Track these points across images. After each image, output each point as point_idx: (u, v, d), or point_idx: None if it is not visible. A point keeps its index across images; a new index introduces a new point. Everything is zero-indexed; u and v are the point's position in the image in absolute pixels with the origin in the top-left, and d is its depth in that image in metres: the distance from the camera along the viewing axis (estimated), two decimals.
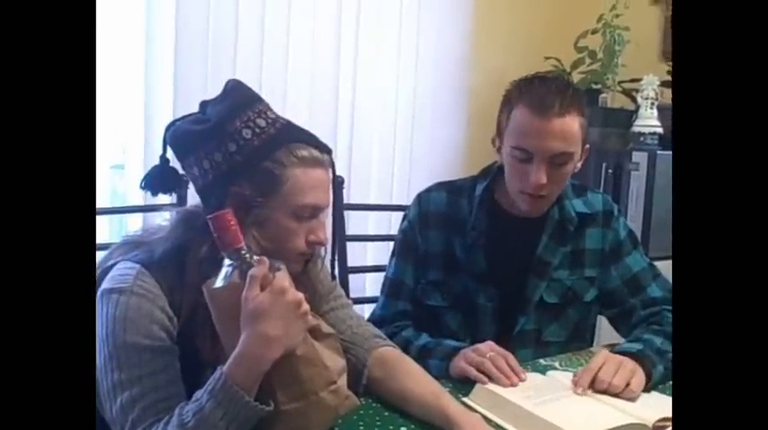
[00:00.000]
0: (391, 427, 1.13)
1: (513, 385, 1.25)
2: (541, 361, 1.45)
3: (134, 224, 2.08)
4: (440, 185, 1.59)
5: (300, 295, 0.98)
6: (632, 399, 1.23)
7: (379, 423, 1.14)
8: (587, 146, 1.46)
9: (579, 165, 1.46)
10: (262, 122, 1.06)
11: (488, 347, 1.32)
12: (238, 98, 1.08)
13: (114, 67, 2.17)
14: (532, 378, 1.31)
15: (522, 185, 1.42)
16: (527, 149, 1.38)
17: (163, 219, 1.15)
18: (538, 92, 1.37)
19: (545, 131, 1.35)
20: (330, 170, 1.11)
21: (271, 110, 1.09)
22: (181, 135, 1.08)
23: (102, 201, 2.16)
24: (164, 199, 1.31)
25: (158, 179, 1.14)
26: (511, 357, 1.31)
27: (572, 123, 1.36)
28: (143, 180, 1.15)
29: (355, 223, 2.48)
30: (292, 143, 1.07)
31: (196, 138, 1.06)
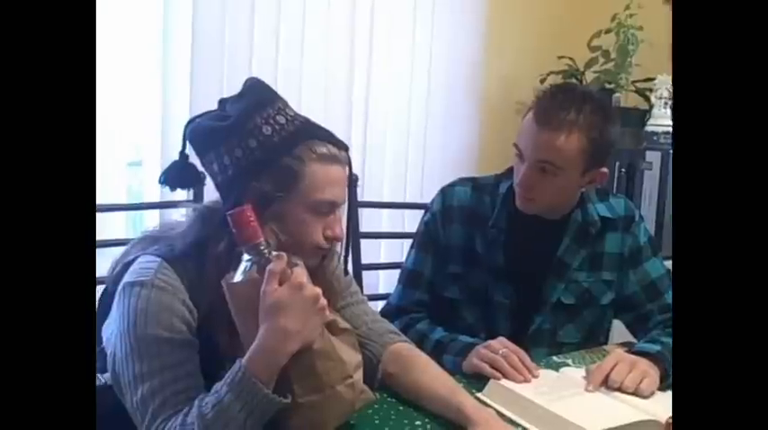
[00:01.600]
0: (406, 422, 1.14)
1: (526, 381, 1.26)
2: (555, 358, 1.46)
3: (150, 221, 2.11)
4: (464, 180, 1.61)
5: (318, 290, 1.00)
6: (644, 398, 1.24)
7: (393, 417, 1.15)
8: (603, 170, 1.46)
9: (587, 183, 1.46)
10: (281, 119, 1.08)
11: (501, 344, 1.33)
12: (258, 95, 1.10)
13: (132, 66, 2.19)
14: (546, 374, 1.32)
15: (515, 181, 1.46)
16: (520, 148, 1.43)
17: (180, 214, 1.16)
18: (547, 103, 1.40)
19: (535, 138, 1.39)
20: (347, 167, 1.13)
21: (289, 107, 1.11)
22: (201, 131, 1.10)
23: (118, 197, 2.19)
24: (180, 196, 1.32)
25: (177, 174, 1.16)
26: (523, 354, 1.31)
27: (567, 141, 1.37)
28: (162, 175, 1.17)
29: (369, 221, 2.49)
30: (311, 140, 1.08)
31: (217, 134, 1.08)
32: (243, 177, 1.06)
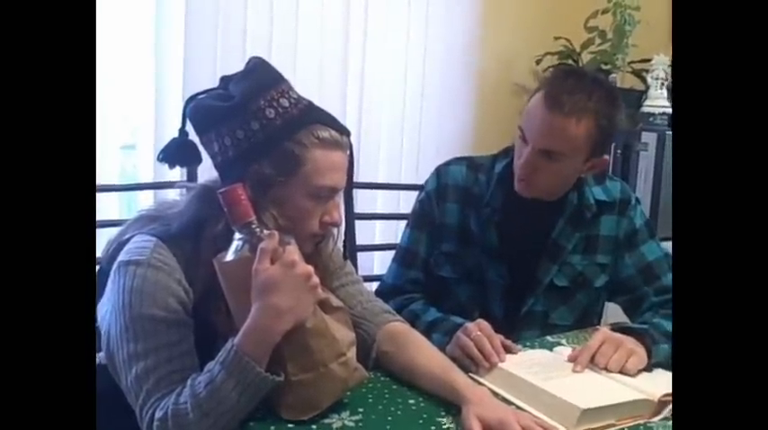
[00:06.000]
0: (400, 400, 1.14)
1: (492, 365, 1.23)
2: (549, 338, 1.46)
3: (145, 203, 2.10)
4: (460, 160, 1.61)
5: (310, 268, 1.00)
6: (633, 376, 1.24)
7: (387, 395, 1.15)
8: (605, 157, 1.45)
9: (587, 170, 1.46)
10: (285, 102, 1.07)
11: (475, 327, 1.30)
12: (262, 77, 1.09)
13: (125, 49, 2.18)
14: (540, 354, 1.33)
15: (516, 163, 1.45)
16: (524, 131, 1.41)
17: (176, 194, 1.16)
18: (558, 87, 1.37)
19: (543, 123, 1.37)
20: (348, 152, 1.12)
21: (293, 90, 1.10)
22: (203, 110, 1.09)
23: (111, 180, 2.18)
24: (174, 177, 1.32)
25: (176, 151, 1.15)
26: (495, 337, 1.28)
27: (575, 127, 1.35)
28: (161, 152, 1.16)
29: (364, 202, 2.49)
30: (314, 124, 1.08)
31: (219, 114, 1.07)
32: (243, 159, 1.06)
